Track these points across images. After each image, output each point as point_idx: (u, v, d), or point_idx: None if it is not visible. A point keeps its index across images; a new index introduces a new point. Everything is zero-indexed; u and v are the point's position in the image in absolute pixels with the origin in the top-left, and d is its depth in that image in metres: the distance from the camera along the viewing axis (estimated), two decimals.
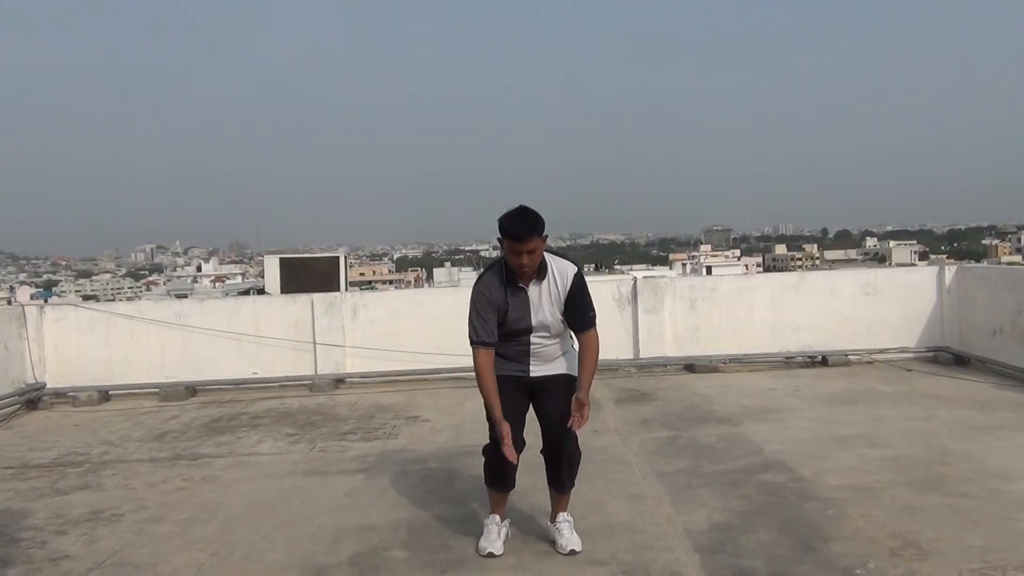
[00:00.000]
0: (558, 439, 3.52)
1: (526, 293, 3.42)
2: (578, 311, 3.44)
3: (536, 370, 3.53)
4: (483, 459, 3.62)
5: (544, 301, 3.43)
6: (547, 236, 3.36)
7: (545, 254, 3.41)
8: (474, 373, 3.46)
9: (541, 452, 3.61)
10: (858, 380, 7.22)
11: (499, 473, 3.56)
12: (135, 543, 3.87)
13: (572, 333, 3.58)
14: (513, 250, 3.29)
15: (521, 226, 3.27)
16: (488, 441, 3.56)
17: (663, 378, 7.74)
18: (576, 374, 3.52)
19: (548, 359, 3.54)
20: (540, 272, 3.40)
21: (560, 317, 3.46)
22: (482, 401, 3.49)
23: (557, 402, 3.50)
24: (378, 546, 3.69)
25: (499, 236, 3.33)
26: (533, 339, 3.48)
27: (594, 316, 3.47)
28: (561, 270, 3.45)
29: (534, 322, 3.43)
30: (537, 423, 3.62)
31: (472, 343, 3.43)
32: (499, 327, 3.44)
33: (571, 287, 3.43)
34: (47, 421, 7.04)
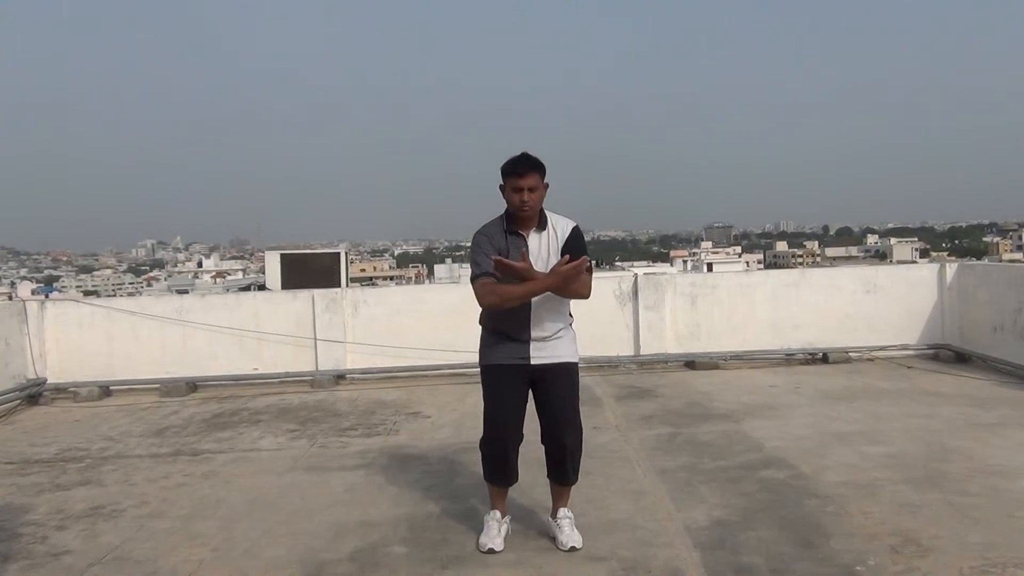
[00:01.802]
0: (561, 432, 3.52)
1: (526, 242, 3.44)
2: (574, 256, 3.40)
3: (537, 354, 3.48)
4: (481, 454, 3.63)
5: (543, 251, 3.45)
6: (548, 185, 3.45)
7: (546, 210, 3.48)
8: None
9: (542, 442, 3.61)
10: (859, 377, 7.22)
11: (498, 467, 3.57)
12: (136, 538, 3.87)
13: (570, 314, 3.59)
14: (513, 187, 3.37)
15: (521, 162, 3.39)
16: (484, 436, 3.58)
17: (664, 375, 7.74)
18: (577, 360, 3.55)
19: (548, 333, 3.48)
20: (540, 224, 3.46)
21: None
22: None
23: (559, 393, 3.51)
24: (378, 542, 3.69)
25: (500, 184, 3.43)
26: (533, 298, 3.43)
27: (591, 266, 3.48)
28: (561, 224, 3.51)
29: (534, 266, 3.40)
30: (533, 416, 3.61)
31: (474, 279, 3.39)
32: (501, 274, 3.41)
33: (569, 236, 3.48)
34: (48, 416, 7.05)
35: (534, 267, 3.37)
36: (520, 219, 3.43)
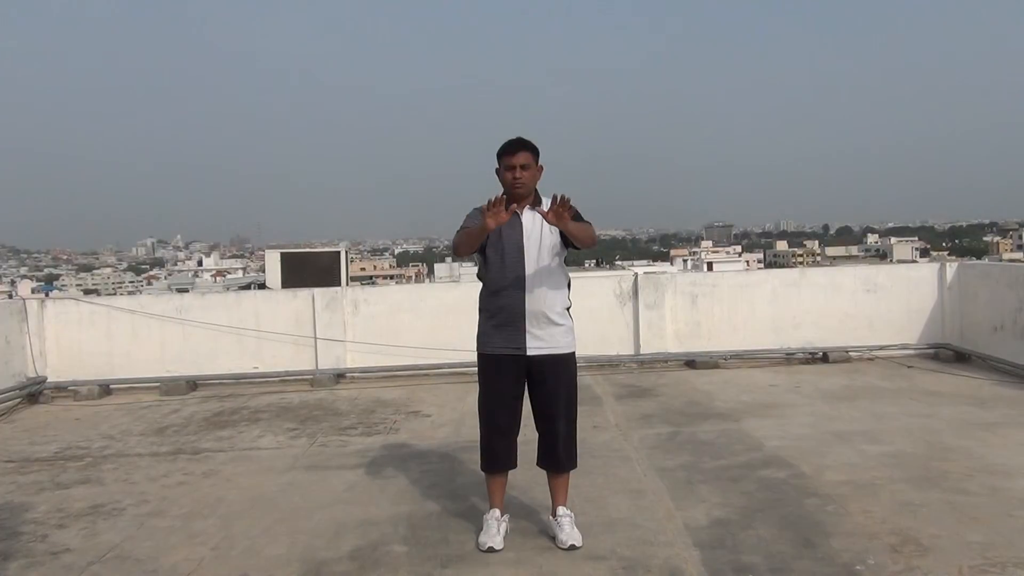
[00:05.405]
0: (555, 421, 3.58)
1: (520, 219, 3.53)
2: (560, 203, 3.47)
3: (534, 344, 3.51)
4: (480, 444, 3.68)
5: (536, 227, 3.53)
6: (543, 167, 3.58)
7: (540, 194, 3.59)
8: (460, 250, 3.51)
9: (536, 429, 3.65)
10: (859, 376, 7.22)
11: (490, 454, 3.62)
12: (136, 537, 3.88)
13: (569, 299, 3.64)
14: (507, 165, 3.49)
15: (513, 141, 3.52)
16: (479, 422, 3.64)
17: (664, 374, 7.74)
18: (573, 350, 3.61)
19: (544, 321, 3.51)
20: (535, 203, 3.55)
21: (555, 243, 3.52)
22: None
23: (556, 384, 3.56)
24: (378, 540, 3.70)
25: (496, 168, 3.54)
26: (528, 268, 3.49)
27: (591, 226, 3.54)
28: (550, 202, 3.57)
29: (526, 243, 3.50)
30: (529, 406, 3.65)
31: (456, 235, 3.50)
32: (494, 250, 3.51)
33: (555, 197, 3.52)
34: (48, 415, 7.05)
35: (527, 242, 3.49)
36: (514, 197, 3.50)
